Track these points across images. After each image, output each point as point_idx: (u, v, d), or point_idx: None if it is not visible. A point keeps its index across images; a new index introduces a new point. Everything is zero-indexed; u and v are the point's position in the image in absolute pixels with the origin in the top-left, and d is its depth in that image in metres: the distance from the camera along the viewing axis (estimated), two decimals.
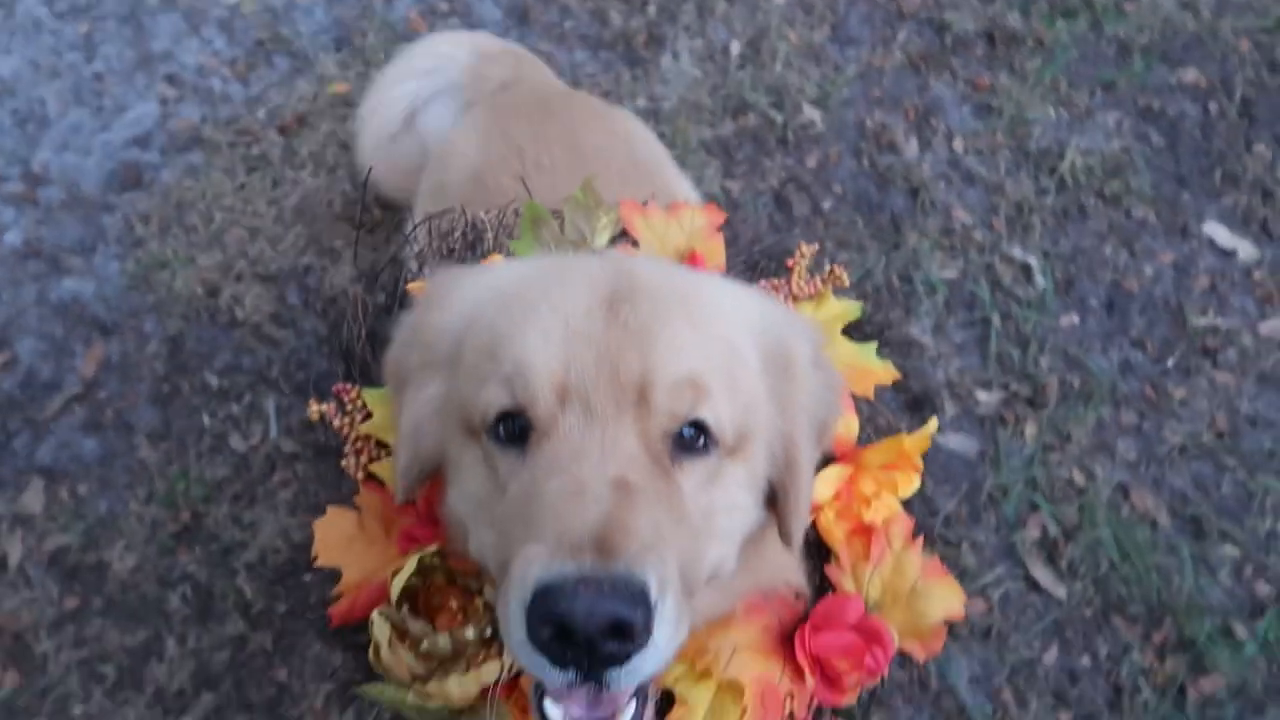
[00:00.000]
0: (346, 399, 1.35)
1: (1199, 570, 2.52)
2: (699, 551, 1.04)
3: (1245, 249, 2.93)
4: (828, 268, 1.63)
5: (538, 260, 1.26)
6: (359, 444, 1.31)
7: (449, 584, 1.23)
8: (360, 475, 1.31)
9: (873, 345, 1.60)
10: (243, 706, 2.37)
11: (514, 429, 1.05)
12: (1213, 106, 3.18)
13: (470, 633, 1.18)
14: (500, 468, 1.06)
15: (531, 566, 0.91)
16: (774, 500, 1.20)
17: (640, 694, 1.05)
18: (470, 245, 1.67)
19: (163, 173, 2.99)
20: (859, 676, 1.30)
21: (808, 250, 1.63)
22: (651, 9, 3.35)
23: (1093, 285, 2.89)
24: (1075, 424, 2.68)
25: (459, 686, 1.13)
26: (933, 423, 1.54)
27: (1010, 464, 2.62)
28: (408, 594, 1.23)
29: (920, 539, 1.45)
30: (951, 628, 2.44)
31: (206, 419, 2.65)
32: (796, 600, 1.37)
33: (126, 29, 3.26)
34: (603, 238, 1.60)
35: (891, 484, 1.46)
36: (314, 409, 1.35)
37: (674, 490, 1.03)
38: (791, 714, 1.30)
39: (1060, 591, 2.51)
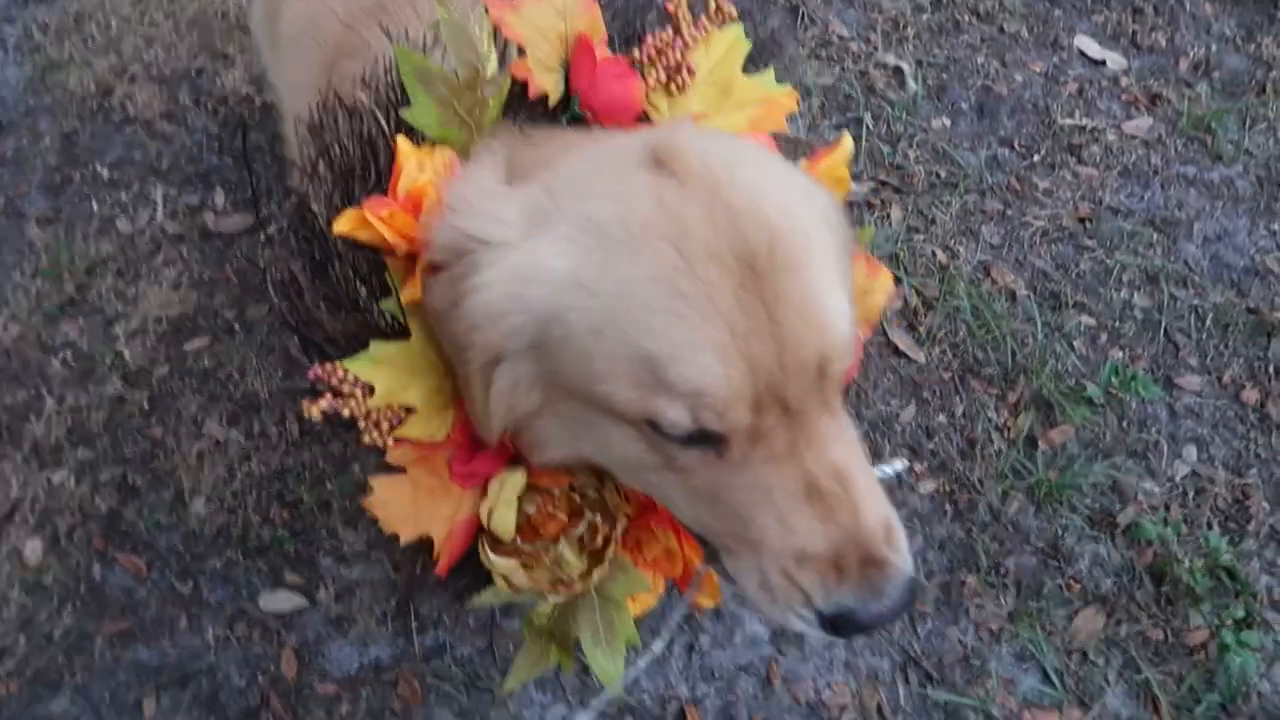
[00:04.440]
0: (335, 380, 1.13)
1: (1055, 339, 2.53)
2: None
3: (1114, 59, 2.95)
4: (712, 4, 1.42)
5: (592, 227, 0.97)
6: (374, 417, 1.13)
7: (538, 494, 1.16)
8: (390, 442, 1.14)
9: (770, 73, 1.46)
10: (118, 460, 2.37)
11: (701, 438, 0.96)
12: None
13: (582, 528, 1.13)
14: (680, 459, 0.98)
15: (810, 585, 0.94)
16: None
17: None
18: (365, 163, 1.29)
19: None
20: None
21: None
22: None
23: (964, 91, 2.90)
24: (940, 209, 2.69)
25: (600, 571, 1.11)
26: (846, 138, 1.45)
27: (874, 243, 2.64)
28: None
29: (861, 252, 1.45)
30: None
31: (95, 205, 2.64)
32: None
33: None
34: (492, 59, 1.29)
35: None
36: (311, 409, 1.11)
37: (843, 421, 1.02)
38: None
39: (920, 356, 2.51)
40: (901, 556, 0.97)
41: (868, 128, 2.78)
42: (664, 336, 0.91)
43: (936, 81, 2.89)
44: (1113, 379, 2.38)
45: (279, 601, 2.23)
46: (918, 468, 2.37)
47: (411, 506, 1.09)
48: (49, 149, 2.69)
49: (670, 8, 1.42)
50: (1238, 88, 2.89)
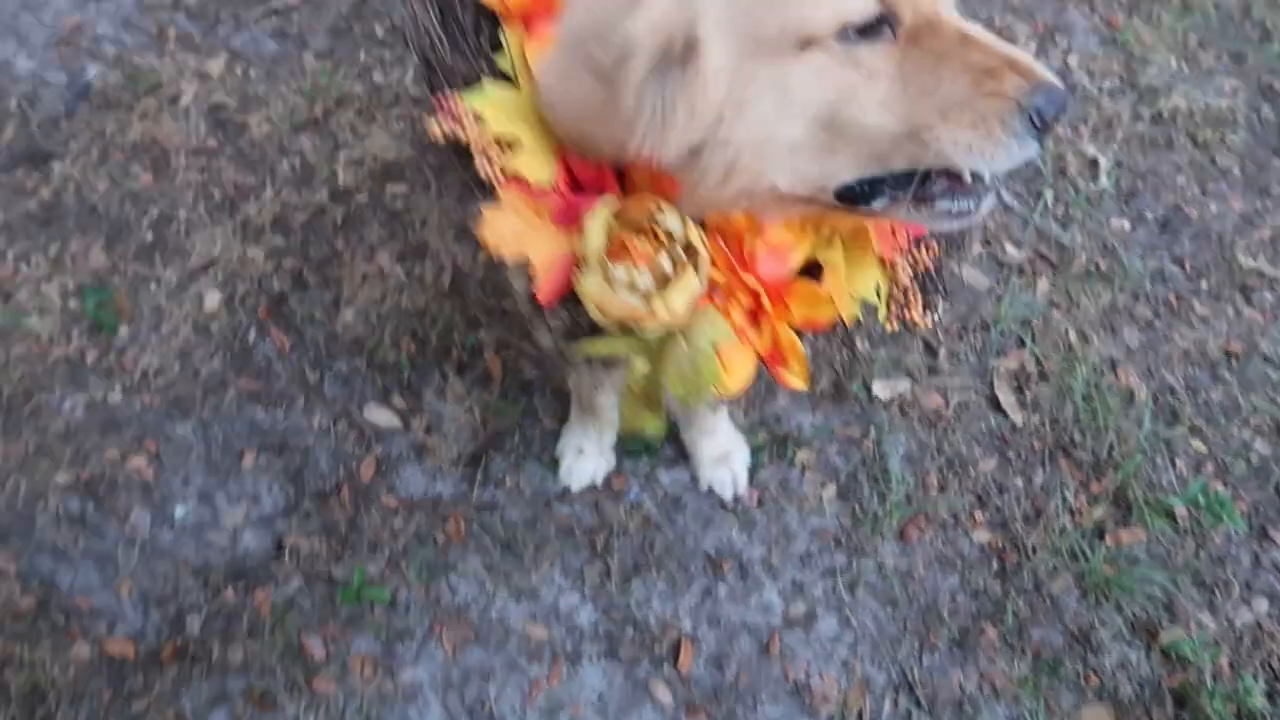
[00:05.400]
0: (452, 108, 1.24)
1: (1159, 449, 2.50)
2: None
3: None
4: None
5: None
6: (484, 146, 1.22)
7: (625, 232, 1.25)
8: (500, 177, 1.23)
9: None
10: (302, 256, 2.72)
11: (871, 29, 1.14)
12: None
13: (664, 259, 1.21)
14: (865, 61, 1.14)
15: (1012, 89, 1.10)
16: None
17: None
18: None
19: None
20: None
21: None
22: None
23: (1154, 202, 2.90)
24: (1089, 298, 2.70)
25: (679, 298, 1.18)
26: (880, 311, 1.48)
27: (1013, 304, 2.69)
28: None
29: None
30: (902, 408, 2.56)
31: (362, 55, 3.04)
32: None
33: None
34: None
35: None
36: (435, 128, 1.23)
37: None
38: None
39: (1018, 418, 2.52)
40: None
41: (1046, 204, 2.83)
42: None
43: (1129, 185, 2.90)
44: (1200, 497, 2.33)
45: (380, 416, 2.50)
46: (978, 515, 2.40)
47: (518, 234, 1.22)
48: (344, 1, 3.15)
49: None
50: None
